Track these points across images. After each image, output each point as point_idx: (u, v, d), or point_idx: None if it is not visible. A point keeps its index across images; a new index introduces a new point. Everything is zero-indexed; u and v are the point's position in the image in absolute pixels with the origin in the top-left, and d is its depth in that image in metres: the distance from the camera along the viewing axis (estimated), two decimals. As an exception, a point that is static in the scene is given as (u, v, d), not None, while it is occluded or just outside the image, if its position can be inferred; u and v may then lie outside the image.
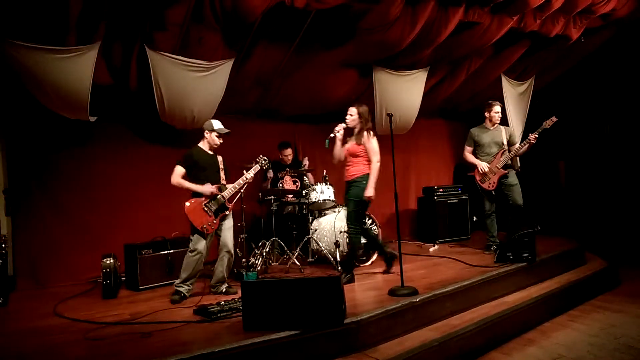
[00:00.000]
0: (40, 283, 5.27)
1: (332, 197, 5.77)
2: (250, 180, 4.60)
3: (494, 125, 5.91)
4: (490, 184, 5.80)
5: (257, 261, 5.41)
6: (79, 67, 4.55)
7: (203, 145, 4.58)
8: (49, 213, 5.40)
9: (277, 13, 4.89)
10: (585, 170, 8.01)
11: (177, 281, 4.46)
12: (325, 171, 6.02)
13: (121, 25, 4.64)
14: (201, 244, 4.39)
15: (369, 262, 5.65)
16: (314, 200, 5.69)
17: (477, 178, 5.91)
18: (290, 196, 6.15)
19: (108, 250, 4.88)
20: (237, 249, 5.58)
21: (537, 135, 5.56)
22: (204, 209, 4.38)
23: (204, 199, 4.40)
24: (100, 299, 4.65)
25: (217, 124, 4.55)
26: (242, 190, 5.62)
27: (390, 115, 4.72)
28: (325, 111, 7.13)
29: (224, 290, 4.57)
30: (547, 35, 6.42)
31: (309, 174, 6.36)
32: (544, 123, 5.57)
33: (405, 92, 6.63)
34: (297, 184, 6.33)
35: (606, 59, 7.61)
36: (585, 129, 7.93)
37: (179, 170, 4.44)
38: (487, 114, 5.94)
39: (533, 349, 3.89)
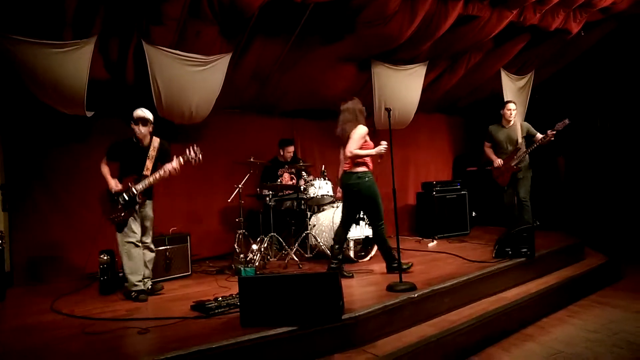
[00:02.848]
0: (38, 279, 5.26)
1: (331, 193, 5.74)
2: (174, 173, 4.34)
3: (509, 122, 6.02)
4: (503, 179, 5.97)
5: (255, 257, 5.39)
6: (76, 62, 4.53)
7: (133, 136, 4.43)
8: (47, 208, 5.39)
9: (275, 7, 4.86)
10: (585, 165, 7.99)
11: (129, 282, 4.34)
12: (323, 166, 6.00)
13: (118, 20, 4.61)
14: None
15: (367, 258, 5.63)
16: (312, 195, 5.66)
17: (494, 174, 6.07)
18: (289, 192, 6.13)
19: (106, 246, 4.86)
20: (236, 245, 5.58)
21: (555, 133, 5.61)
22: (115, 199, 4.28)
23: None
24: (98, 294, 4.63)
25: (136, 112, 4.40)
26: (240, 186, 5.62)
27: (389, 110, 4.70)
28: (323, 106, 7.09)
29: (149, 287, 4.50)
30: (546, 29, 6.38)
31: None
32: (557, 125, 5.61)
33: (404, 86, 6.60)
34: (294, 181, 6.30)
35: (606, 53, 7.57)
36: (585, 125, 7.89)
37: (104, 160, 4.39)
38: (502, 112, 6.11)
39: (532, 345, 3.88)
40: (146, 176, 4.37)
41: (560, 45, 7.12)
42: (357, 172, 4.63)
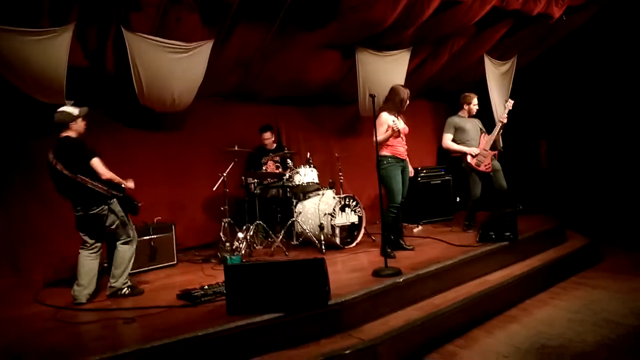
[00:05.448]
0: (21, 271, 5.18)
1: (316, 180, 5.74)
2: None
3: (468, 115, 6.08)
4: (486, 166, 5.90)
5: (241, 245, 5.38)
6: (54, 50, 4.43)
7: (74, 135, 4.13)
8: (28, 199, 5.29)
9: (257, -8, 4.81)
10: (567, 149, 8.08)
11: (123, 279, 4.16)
12: (309, 154, 5.98)
13: (96, 7, 4.51)
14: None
15: (354, 244, 5.66)
16: (297, 183, 5.66)
17: (473, 162, 5.90)
18: (274, 179, 6.11)
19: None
20: (221, 233, 5.56)
21: (506, 116, 5.83)
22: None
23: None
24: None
25: (74, 109, 4.11)
26: (225, 174, 5.60)
27: (373, 96, 4.67)
28: (308, 93, 7.07)
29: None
30: (529, 13, 6.39)
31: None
32: (506, 104, 5.90)
33: (388, 72, 6.57)
34: (279, 169, 6.28)
35: (587, 37, 7.62)
36: (567, 108, 7.97)
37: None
38: (466, 106, 6.08)
39: (515, 326, 3.95)
40: None
41: (542, 29, 7.15)
42: (379, 156, 4.79)
